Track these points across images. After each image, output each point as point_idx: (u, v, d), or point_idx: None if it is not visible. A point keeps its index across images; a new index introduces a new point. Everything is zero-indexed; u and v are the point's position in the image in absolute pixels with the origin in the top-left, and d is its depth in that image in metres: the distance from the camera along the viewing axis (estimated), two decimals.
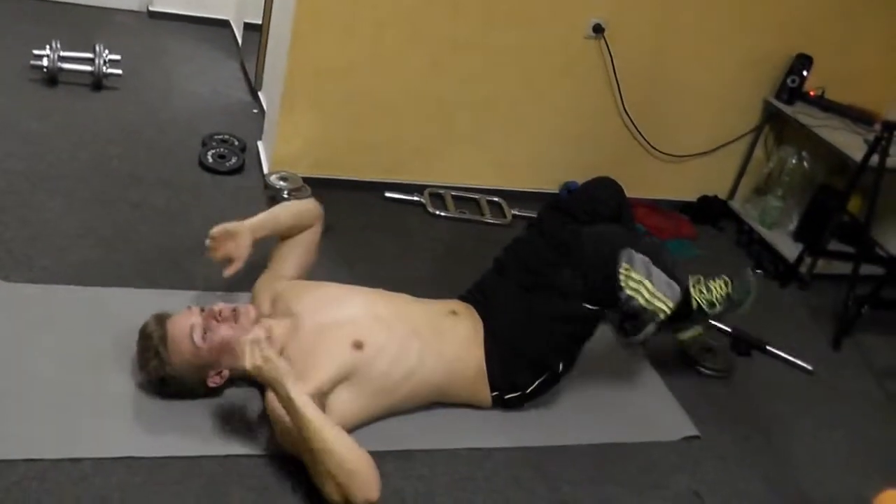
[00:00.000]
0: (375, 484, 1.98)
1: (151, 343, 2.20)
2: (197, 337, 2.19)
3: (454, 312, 2.53)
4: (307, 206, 2.68)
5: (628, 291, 2.37)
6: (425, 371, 2.34)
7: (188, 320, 2.22)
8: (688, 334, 2.84)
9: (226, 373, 2.23)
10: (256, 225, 2.49)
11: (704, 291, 2.57)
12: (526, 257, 2.63)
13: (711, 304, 2.56)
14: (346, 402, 2.20)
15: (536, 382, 2.47)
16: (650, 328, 2.50)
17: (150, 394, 2.24)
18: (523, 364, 2.45)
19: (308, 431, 1.97)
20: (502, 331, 2.47)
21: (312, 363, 2.18)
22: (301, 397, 2.00)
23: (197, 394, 2.25)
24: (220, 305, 2.29)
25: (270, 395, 2.10)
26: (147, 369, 2.21)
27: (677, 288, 2.46)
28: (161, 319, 2.25)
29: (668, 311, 2.42)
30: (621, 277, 2.36)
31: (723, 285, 2.59)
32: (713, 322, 2.96)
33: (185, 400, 2.24)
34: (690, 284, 2.57)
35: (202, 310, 2.26)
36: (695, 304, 2.56)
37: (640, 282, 2.38)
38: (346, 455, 1.97)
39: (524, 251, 2.66)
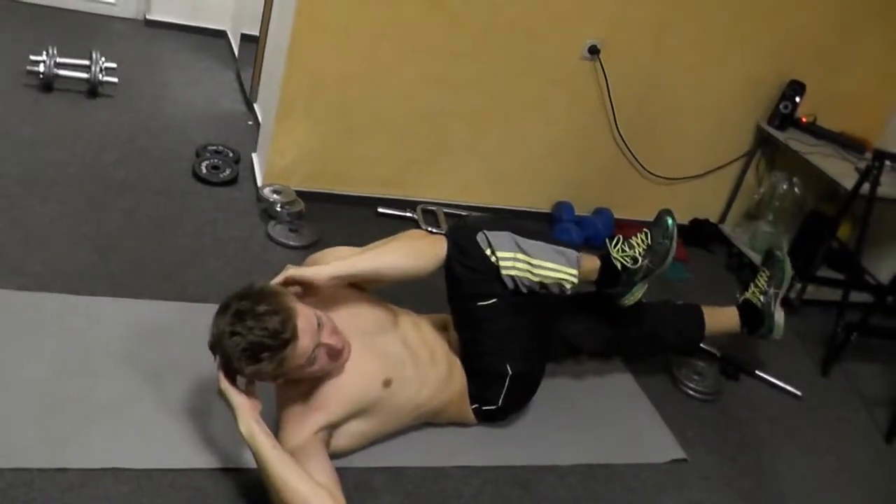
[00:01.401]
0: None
1: (278, 343, 1.95)
2: (319, 360, 2.05)
3: (445, 328, 2.54)
4: (421, 261, 2.28)
5: (507, 272, 2.25)
6: (434, 399, 2.36)
7: (312, 339, 2.01)
8: (633, 297, 2.56)
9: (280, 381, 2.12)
10: (342, 274, 2.21)
11: (626, 249, 2.51)
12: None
13: (635, 260, 2.49)
14: (357, 430, 2.20)
15: (503, 393, 2.43)
16: (636, 290, 2.51)
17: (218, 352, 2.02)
18: (485, 377, 2.44)
19: (259, 465, 1.96)
20: (465, 347, 2.47)
21: (337, 390, 2.14)
22: (248, 431, 1.96)
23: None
24: (337, 341, 2.09)
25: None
26: (256, 357, 1.94)
27: (573, 253, 2.36)
28: (290, 325, 1.97)
29: (574, 279, 2.32)
30: (493, 260, 2.25)
31: (643, 238, 2.52)
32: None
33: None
34: (610, 246, 2.52)
35: (319, 324, 2.05)
36: (619, 265, 2.50)
37: (513, 258, 2.26)
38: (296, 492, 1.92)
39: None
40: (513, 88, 3.55)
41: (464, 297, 2.35)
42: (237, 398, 1.99)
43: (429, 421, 2.42)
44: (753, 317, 2.95)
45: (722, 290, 3.77)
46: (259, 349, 1.94)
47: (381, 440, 2.32)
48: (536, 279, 2.29)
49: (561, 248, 2.35)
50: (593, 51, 3.54)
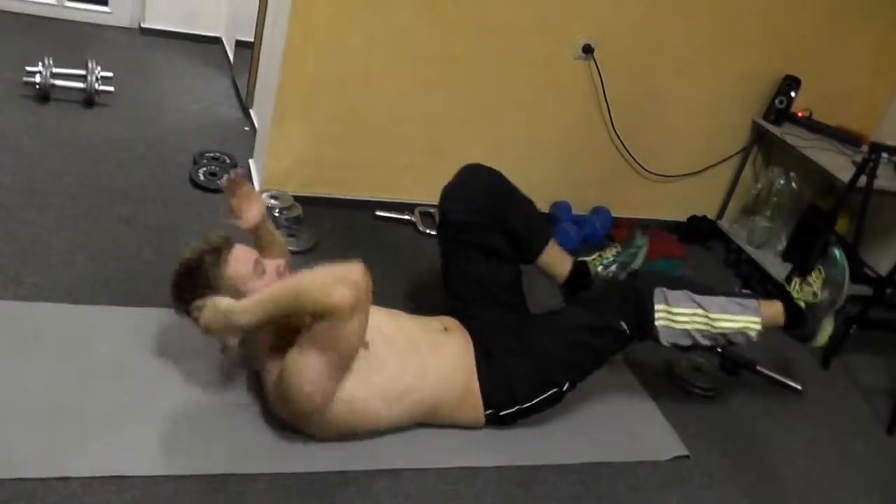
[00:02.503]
0: (349, 275, 2.10)
1: (218, 243, 2.26)
2: (268, 272, 2.29)
3: (445, 329, 2.53)
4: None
5: (681, 327, 2.42)
6: (422, 388, 2.35)
7: (251, 251, 2.32)
8: (824, 335, 2.70)
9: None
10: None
11: (805, 287, 2.64)
12: (480, 277, 2.64)
13: (815, 295, 2.62)
14: (346, 393, 2.20)
15: (538, 399, 2.45)
16: (826, 326, 2.64)
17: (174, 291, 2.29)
18: (527, 379, 2.44)
19: (274, 305, 2.11)
20: (497, 348, 2.46)
21: None
22: (248, 302, 2.12)
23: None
24: (281, 265, 2.34)
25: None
26: (199, 262, 2.23)
27: (751, 301, 2.51)
28: (223, 233, 2.31)
29: (758, 326, 2.48)
30: (659, 314, 2.41)
31: (818, 274, 2.66)
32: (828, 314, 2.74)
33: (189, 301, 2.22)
34: (790, 288, 2.66)
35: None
36: (802, 304, 2.62)
37: (692, 314, 2.43)
38: (309, 281, 2.11)
39: (474, 272, 2.65)
40: (508, 89, 3.55)
41: (609, 310, 2.46)
42: (220, 299, 2.14)
43: (427, 420, 2.41)
44: (583, 277, 2.83)
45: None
46: (203, 253, 2.22)
47: (375, 431, 2.32)
48: (717, 331, 2.44)
49: (738, 300, 2.50)
50: (587, 50, 3.55)
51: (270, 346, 2.25)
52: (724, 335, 2.46)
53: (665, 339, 2.45)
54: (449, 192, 2.67)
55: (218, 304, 2.12)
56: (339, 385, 2.17)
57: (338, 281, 2.07)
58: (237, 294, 2.19)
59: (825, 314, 2.65)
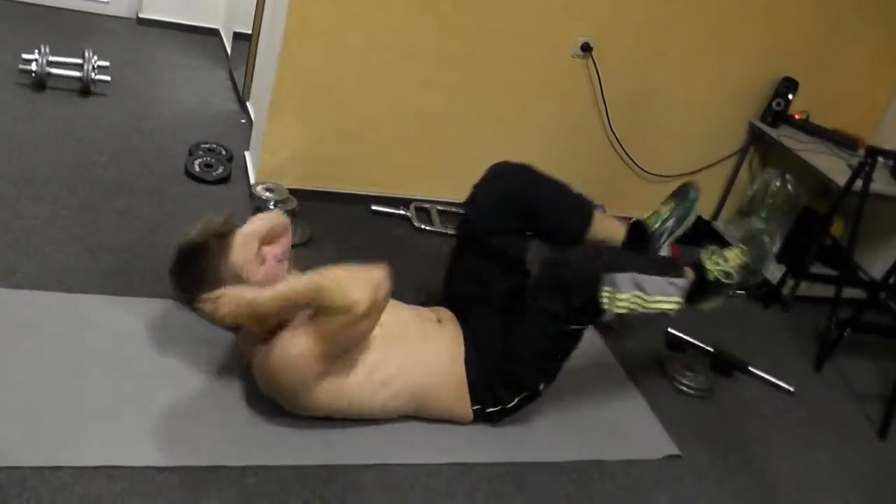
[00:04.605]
0: (371, 280, 2.17)
1: (221, 230, 2.26)
2: (268, 260, 2.30)
3: (439, 321, 2.54)
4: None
5: (618, 309, 2.36)
6: (410, 375, 2.35)
7: (253, 236, 2.29)
8: (707, 306, 2.58)
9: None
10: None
11: (721, 262, 2.53)
12: (484, 280, 2.62)
13: (727, 275, 2.51)
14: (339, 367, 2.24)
15: (517, 399, 2.47)
16: (716, 301, 2.55)
17: (173, 274, 2.30)
18: (505, 381, 2.45)
19: (295, 297, 2.16)
20: (484, 347, 2.47)
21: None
22: (265, 294, 2.15)
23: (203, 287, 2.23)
24: (278, 253, 2.34)
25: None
26: (202, 240, 2.24)
27: (683, 281, 2.45)
28: (230, 222, 2.31)
29: (678, 306, 2.43)
30: (605, 299, 2.32)
31: (739, 254, 2.55)
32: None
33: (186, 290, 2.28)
34: (705, 256, 2.54)
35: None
36: (711, 276, 2.51)
37: (628, 297, 2.36)
38: (333, 286, 2.14)
39: (480, 274, 2.64)
40: (505, 87, 3.55)
41: (557, 315, 2.38)
42: (241, 290, 2.16)
43: (416, 411, 2.41)
44: (640, 238, 2.76)
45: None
46: (209, 238, 2.22)
47: (361, 416, 2.33)
48: (647, 311, 2.40)
49: (673, 280, 2.43)
50: (585, 48, 3.54)
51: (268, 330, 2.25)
52: (647, 315, 2.43)
53: (614, 317, 2.48)
54: (476, 196, 2.64)
55: (241, 296, 2.16)
56: (327, 366, 2.19)
57: (359, 284, 2.14)
58: (237, 280, 2.21)
59: (725, 292, 2.56)
